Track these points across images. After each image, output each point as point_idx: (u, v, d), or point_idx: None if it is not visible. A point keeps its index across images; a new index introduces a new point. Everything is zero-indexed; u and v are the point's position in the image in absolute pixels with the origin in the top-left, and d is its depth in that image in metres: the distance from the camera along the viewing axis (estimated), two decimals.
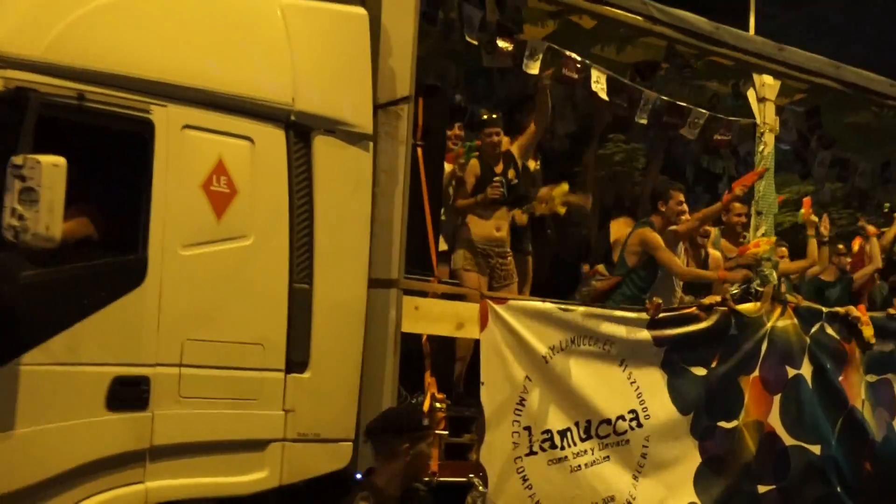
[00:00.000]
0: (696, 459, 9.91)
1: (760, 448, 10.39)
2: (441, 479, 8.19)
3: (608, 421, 9.21)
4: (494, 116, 9.93)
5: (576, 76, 9.68)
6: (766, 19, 21.59)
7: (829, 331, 11.28)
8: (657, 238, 10.20)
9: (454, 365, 9.06)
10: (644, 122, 10.56)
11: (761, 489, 10.38)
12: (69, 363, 6.56)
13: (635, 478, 9.38)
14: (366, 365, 7.98)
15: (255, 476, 7.31)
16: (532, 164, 10.73)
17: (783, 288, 11.51)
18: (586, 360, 9.18)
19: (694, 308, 10.17)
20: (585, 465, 9.01)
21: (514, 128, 10.34)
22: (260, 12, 7.63)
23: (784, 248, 12.05)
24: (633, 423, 9.37)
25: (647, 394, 9.54)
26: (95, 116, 6.74)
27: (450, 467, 8.41)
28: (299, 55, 7.66)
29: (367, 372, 7.99)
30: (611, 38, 10.77)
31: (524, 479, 8.64)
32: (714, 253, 11.17)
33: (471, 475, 8.36)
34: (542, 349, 8.86)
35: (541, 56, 9.47)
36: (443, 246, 9.45)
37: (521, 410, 8.72)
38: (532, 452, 8.74)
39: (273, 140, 7.51)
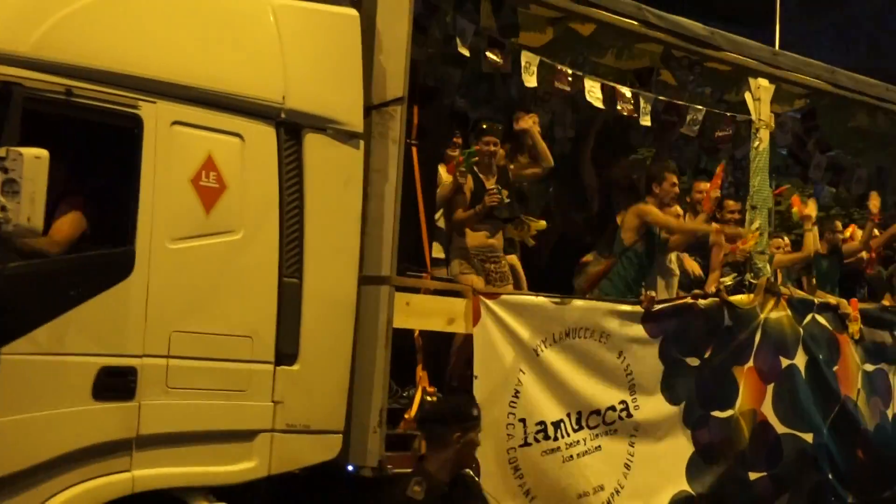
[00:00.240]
0: (688, 449, 9.59)
1: (753, 436, 10.07)
2: None
3: (598, 411, 8.86)
4: (498, 127, 9.47)
5: (568, 88, 9.23)
6: (791, 30, 20.87)
7: (822, 320, 10.96)
8: (651, 206, 9.86)
9: (447, 359, 8.64)
10: (647, 123, 10.09)
11: (752, 476, 10.06)
12: (55, 353, 6.24)
13: (627, 466, 9.03)
14: (358, 359, 7.64)
15: (243, 466, 6.96)
16: None
17: (780, 279, 11.19)
18: (581, 352, 8.85)
19: (688, 299, 9.80)
20: (577, 455, 8.66)
21: (515, 135, 9.89)
22: (251, 12, 7.28)
23: (780, 240, 11.66)
24: (623, 414, 9.03)
25: (640, 384, 9.20)
26: (84, 112, 6.42)
27: None
28: (290, 55, 7.31)
29: (359, 366, 7.65)
30: (609, 45, 10.33)
31: (516, 470, 8.29)
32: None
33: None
34: (534, 342, 8.53)
35: (535, 70, 9.03)
36: (440, 253, 9.08)
37: (515, 403, 8.40)
38: (526, 444, 8.40)
39: (263, 137, 7.15)
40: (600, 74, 10.12)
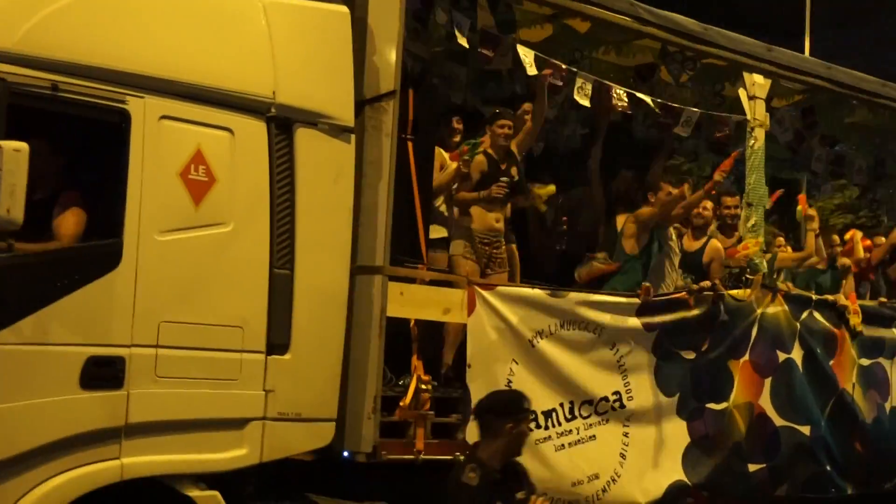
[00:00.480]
0: (684, 439, 9.39)
1: (751, 429, 9.90)
2: (427, 456, 7.79)
3: (590, 401, 8.69)
4: (511, 112, 9.30)
5: (561, 83, 9.02)
6: (823, 42, 20.41)
7: (819, 317, 10.74)
8: (645, 208, 9.71)
9: (442, 348, 8.44)
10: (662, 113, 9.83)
11: (751, 468, 9.88)
12: (42, 343, 6.09)
13: (623, 456, 8.85)
14: (352, 348, 7.49)
15: (233, 453, 6.78)
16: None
17: (781, 276, 11.01)
18: (575, 343, 8.68)
19: (684, 293, 9.58)
20: (570, 444, 8.50)
21: (517, 124, 9.67)
22: (241, 9, 7.12)
23: (781, 239, 11.42)
24: (616, 405, 8.86)
25: (633, 376, 9.02)
26: (71, 106, 6.28)
27: (437, 446, 7.91)
28: (281, 51, 7.14)
29: (354, 355, 7.52)
30: (605, 42, 10.16)
31: None
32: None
33: (457, 453, 7.81)
34: (528, 333, 8.37)
35: (532, 62, 8.82)
36: (442, 233, 8.85)
37: None
38: None
39: (253, 131, 6.98)
40: (601, 70, 9.96)
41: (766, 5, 20.76)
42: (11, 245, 5.88)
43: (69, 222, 6.34)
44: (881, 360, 11.41)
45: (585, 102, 9.13)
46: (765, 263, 10.18)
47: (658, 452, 9.11)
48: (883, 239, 12.68)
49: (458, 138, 9.25)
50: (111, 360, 6.31)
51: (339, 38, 7.44)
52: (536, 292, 8.53)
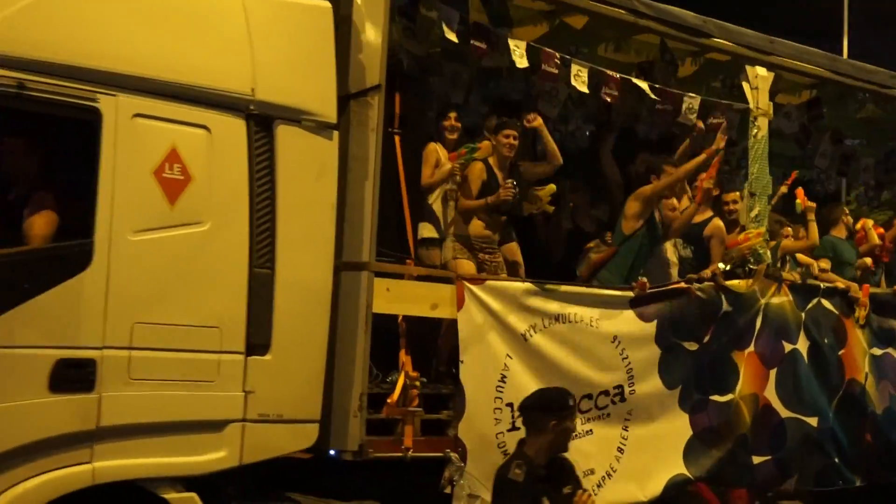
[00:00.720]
0: (686, 432, 8.96)
1: (756, 420, 9.45)
2: (416, 454, 7.41)
3: (589, 395, 8.29)
4: (517, 122, 8.79)
5: (555, 71, 8.54)
6: (859, 43, 19.74)
7: (828, 305, 10.29)
8: (645, 187, 9.26)
9: (433, 344, 8.08)
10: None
11: (756, 460, 9.45)
12: (8, 346, 5.75)
13: (620, 450, 8.45)
14: (338, 344, 7.13)
15: (212, 456, 6.40)
16: None
17: (787, 266, 10.53)
18: (571, 337, 8.27)
19: (682, 284, 9.14)
20: None
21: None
22: (219, 4, 6.74)
23: (788, 228, 10.90)
24: (617, 398, 8.44)
25: (637, 369, 8.61)
26: (39, 105, 5.91)
27: (426, 443, 7.54)
28: (261, 47, 6.75)
29: (340, 351, 7.15)
30: (603, 38, 9.67)
31: (505, 454, 7.65)
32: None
33: (447, 450, 7.46)
34: (521, 327, 7.99)
35: (523, 53, 8.37)
36: (432, 233, 8.45)
37: (502, 387, 7.84)
38: (514, 428, 7.77)
39: (232, 129, 6.60)
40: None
41: (804, 7, 20.10)
42: None
43: (39, 223, 6.01)
44: (891, 350, 10.92)
45: (583, 88, 8.67)
46: (768, 254, 9.73)
47: (658, 446, 8.70)
48: None
49: (455, 136, 8.80)
50: (82, 363, 5.96)
51: (321, 34, 7.05)
52: (526, 286, 8.14)
